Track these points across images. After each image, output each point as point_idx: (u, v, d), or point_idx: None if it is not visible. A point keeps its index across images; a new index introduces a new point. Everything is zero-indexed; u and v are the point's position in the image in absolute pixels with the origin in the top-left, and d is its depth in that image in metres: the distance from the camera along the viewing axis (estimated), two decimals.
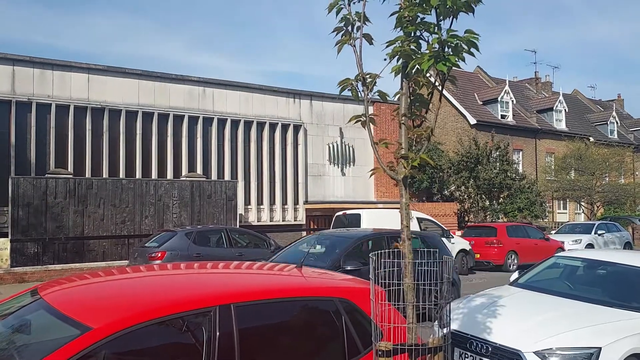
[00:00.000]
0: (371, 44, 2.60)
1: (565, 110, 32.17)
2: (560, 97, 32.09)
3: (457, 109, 27.74)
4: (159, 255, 10.78)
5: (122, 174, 16.85)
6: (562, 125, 31.75)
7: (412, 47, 2.38)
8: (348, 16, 2.56)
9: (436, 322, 2.76)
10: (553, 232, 22.07)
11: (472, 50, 2.35)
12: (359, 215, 14.09)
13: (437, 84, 2.54)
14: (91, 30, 66.81)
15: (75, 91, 16.64)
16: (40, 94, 16.10)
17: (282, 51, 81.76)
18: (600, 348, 4.00)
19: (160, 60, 73.06)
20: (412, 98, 2.50)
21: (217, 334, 2.43)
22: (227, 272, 3.56)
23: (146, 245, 11.89)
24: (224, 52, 77.22)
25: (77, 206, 14.74)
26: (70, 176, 15.17)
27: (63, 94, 16.45)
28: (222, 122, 19.01)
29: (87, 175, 16.13)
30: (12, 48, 67.26)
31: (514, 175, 23.46)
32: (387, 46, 2.45)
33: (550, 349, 4.05)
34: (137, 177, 16.91)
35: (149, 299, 2.63)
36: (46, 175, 15.07)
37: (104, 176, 16.40)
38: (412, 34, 2.41)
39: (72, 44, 67.26)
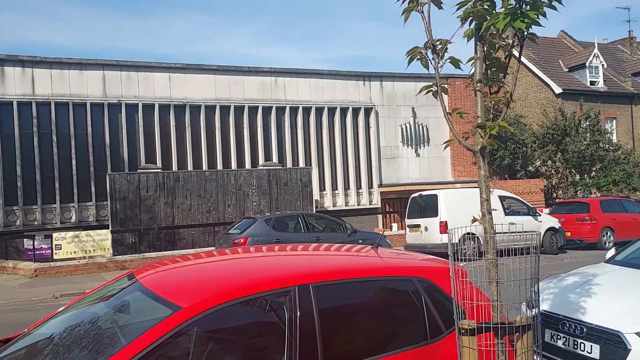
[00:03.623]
0: (440, 8, 2.44)
1: None
2: None
3: (540, 78, 25.80)
4: (242, 241, 11.33)
5: (204, 166, 17.79)
6: None
7: (485, 6, 2.22)
8: None
9: (524, 302, 2.61)
10: None
11: (554, 3, 2.13)
12: (435, 197, 13.70)
13: (515, 43, 2.34)
14: (168, 32, 70.73)
15: (158, 90, 17.75)
16: (128, 95, 17.37)
17: (348, 36, 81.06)
18: None
19: (231, 56, 75.67)
20: (487, 62, 2.34)
21: (298, 313, 2.46)
22: (305, 254, 3.62)
23: (230, 232, 12.53)
24: (292, 43, 78.27)
25: (167, 198, 15.84)
26: (159, 170, 16.31)
27: (148, 93, 17.62)
28: (294, 110, 19.32)
29: (173, 169, 17.24)
30: (101, 54, 73.15)
31: (607, 145, 21.55)
32: (458, 9, 2.31)
33: None
34: (218, 168, 17.76)
35: (232, 279, 2.74)
36: (138, 170, 16.32)
37: (188, 169, 17.42)
38: None
39: (153, 47, 71.75)
